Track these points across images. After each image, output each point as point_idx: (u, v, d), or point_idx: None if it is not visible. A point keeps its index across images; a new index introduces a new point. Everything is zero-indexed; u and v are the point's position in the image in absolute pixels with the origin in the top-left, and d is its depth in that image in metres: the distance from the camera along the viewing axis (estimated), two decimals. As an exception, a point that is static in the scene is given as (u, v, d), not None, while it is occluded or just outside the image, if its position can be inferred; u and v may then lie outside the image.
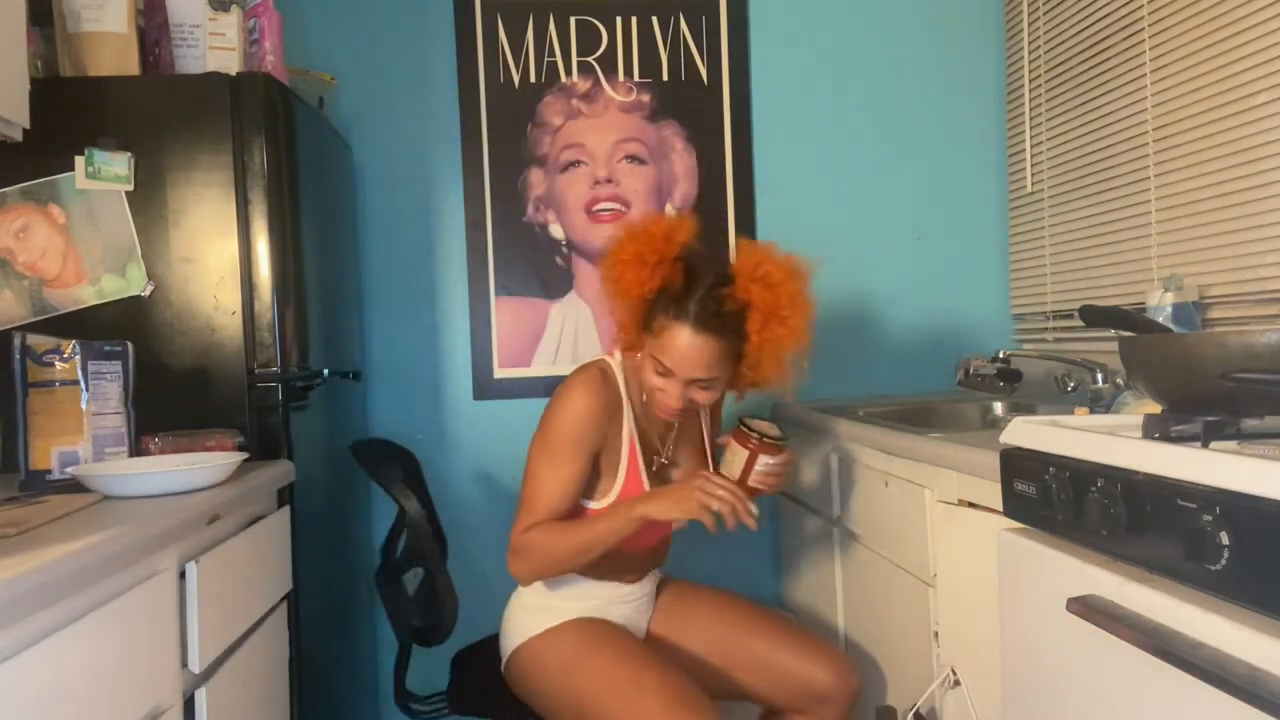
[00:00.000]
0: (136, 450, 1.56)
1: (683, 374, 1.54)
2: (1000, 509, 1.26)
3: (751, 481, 1.56)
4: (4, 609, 0.85)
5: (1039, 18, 2.43)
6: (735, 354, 1.59)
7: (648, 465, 1.69)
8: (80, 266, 1.67)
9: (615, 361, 1.69)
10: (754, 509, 1.51)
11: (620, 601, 1.72)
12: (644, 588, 1.77)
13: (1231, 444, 0.98)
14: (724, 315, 1.54)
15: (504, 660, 1.71)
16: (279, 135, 1.75)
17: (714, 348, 1.54)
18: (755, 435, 1.55)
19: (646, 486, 1.66)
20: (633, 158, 2.50)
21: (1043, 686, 1.15)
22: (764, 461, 1.55)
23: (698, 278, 1.56)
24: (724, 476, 1.55)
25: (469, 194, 2.46)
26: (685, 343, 1.53)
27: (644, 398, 1.65)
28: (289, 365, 1.76)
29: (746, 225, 2.53)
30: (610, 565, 1.65)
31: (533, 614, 1.67)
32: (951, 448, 1.48)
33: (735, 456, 1.56)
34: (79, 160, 1.65)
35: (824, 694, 1.68)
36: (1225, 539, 0.83)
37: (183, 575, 1.27)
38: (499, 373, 2.47)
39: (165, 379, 1.69)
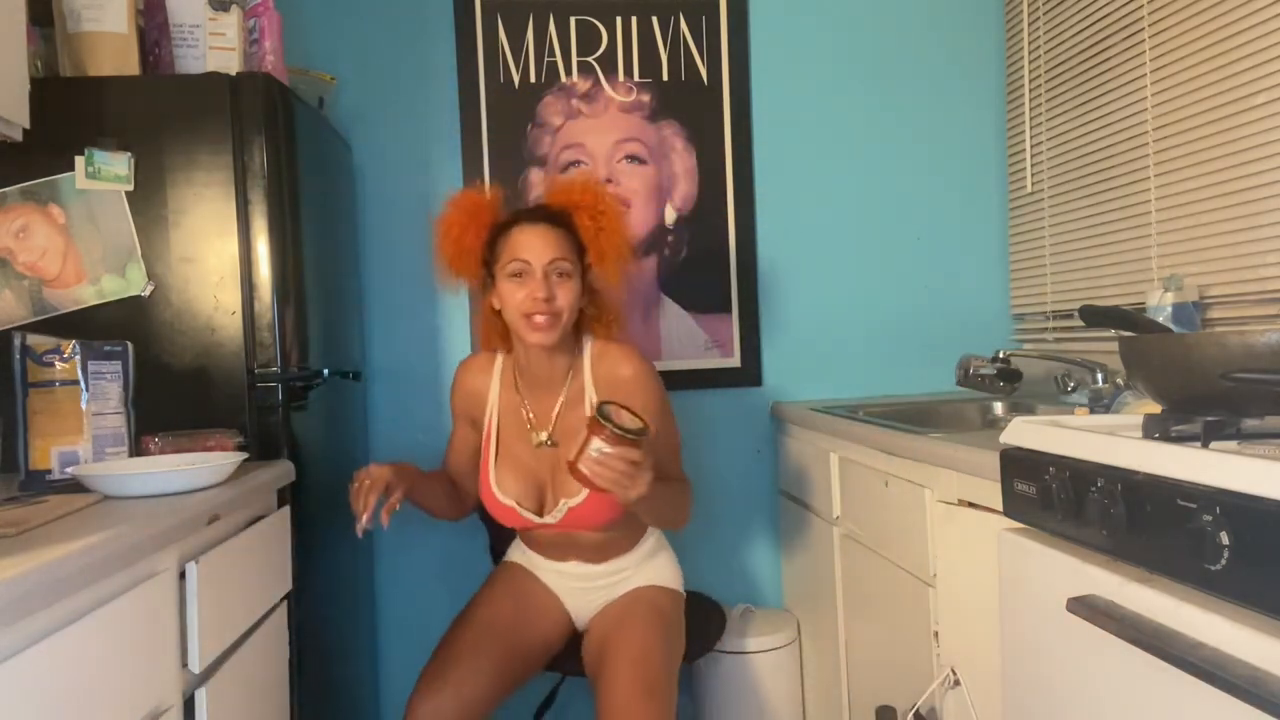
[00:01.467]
0: (136, 450, 1.56)
1: (536, 260, 1.63)
2: (1000, 509, 1.26)
3: (581, 465, 1.44)
4: (4, 609, 0.85)
5: (1039, 18, 2.43)
6: (576, 246, 1.69)
7: (515, 442, 1.76)
8: (80, 266, 1.67)
9: (500, 357, 1.82)
10: (370, 511, 1.59)
11: (547, 569, 1.86)
12: (575, 568, 1.82)
13: (1231, 444, 0.99)
14: (551, 212, 1.71)
15: None
16: (279, 135, 1.75)
17: (553, 232, 1.66)
18: (599, 418, 1.44)
19: (491, 469, 1.75)
20: (633, 158, 2.50)
21: (1043, 686, 1.15)
22: (596, 446, 1.43)
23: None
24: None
25: (469, 194, 2.46)
26: (527, 233, 1.66)
27: (517, 375, 1.77)
28: (289, 365, 1.76)
29: (746, 225, 2.53)
30: (527, 538, 1.86)
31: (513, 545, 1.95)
32: (951, 448, 1.48)
33: (577, 435, 1.47)
34: (79, 160, 1.65)
35: None
36: (1225, 539, 0.83)
37: (183, 575, 1.27)
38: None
39: (165, 379, 1.69)
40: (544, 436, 1.75)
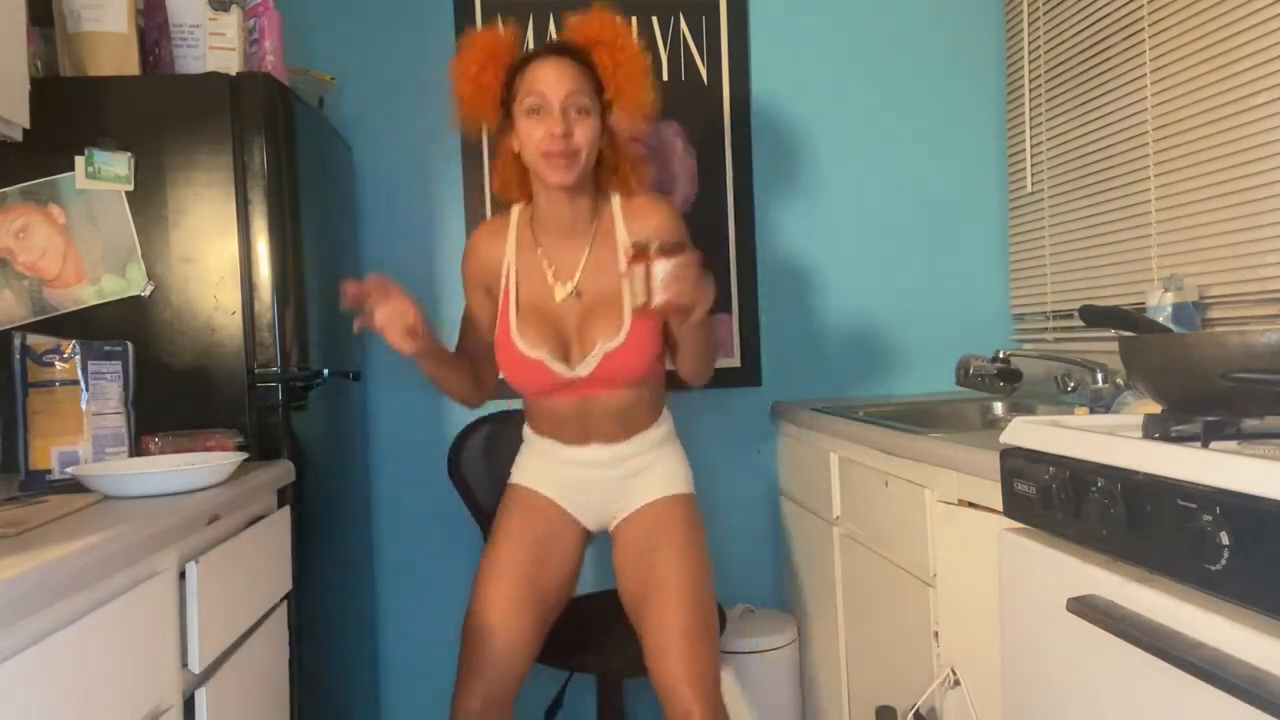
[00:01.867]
0: (136, 450, 1.56)
1: (553, 94, 1.59)
2: (1000, 509, 1.26)
3: (658, 298, 1.45)
4: (4, 609, 0.85)
5: (1039, 18, 2.43)
6: (595, 83, 1.65)
7: (536, 297, 1.71)
8: (80, 266, 1.67)
9: (515, 216, 1.77)
10: (412, 324, 1.57)
11: (564, 461, 1.78)
12: (596, 454, 1.76)
13: (1231, 444, 0.99)
14: (569, 47, 1.66)
15: None
16: (279, 135, 1.75)
17: (571, 67, 1.62)
18: (642, 247, 1.46)
19: (513, 324, 1.69)
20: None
21: (1043, 686, 1.15)
22: (661, 269, 1.44)
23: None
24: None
25: (469, 194, 2.46)
26: (544, 67, 1.61)
27: (533, 222, 1.73)
28: (289, 365, 1.76)
29: (746, 225, 2.53)
30: (546, 423, 1.79)
31: (520, 452, 1.88)
32: (951, 448, 1.48)
33: (635, 279, 1.46)
34: (79, 160, 1.65)
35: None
36: (1225, 539, 0.83)
37: (183, 575, 1.27)
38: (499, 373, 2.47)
39: (165, 379, 1.69)
40: (570, 288, 1.69)
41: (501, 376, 1.79)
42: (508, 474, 1.89)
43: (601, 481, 1.79)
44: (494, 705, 1.65)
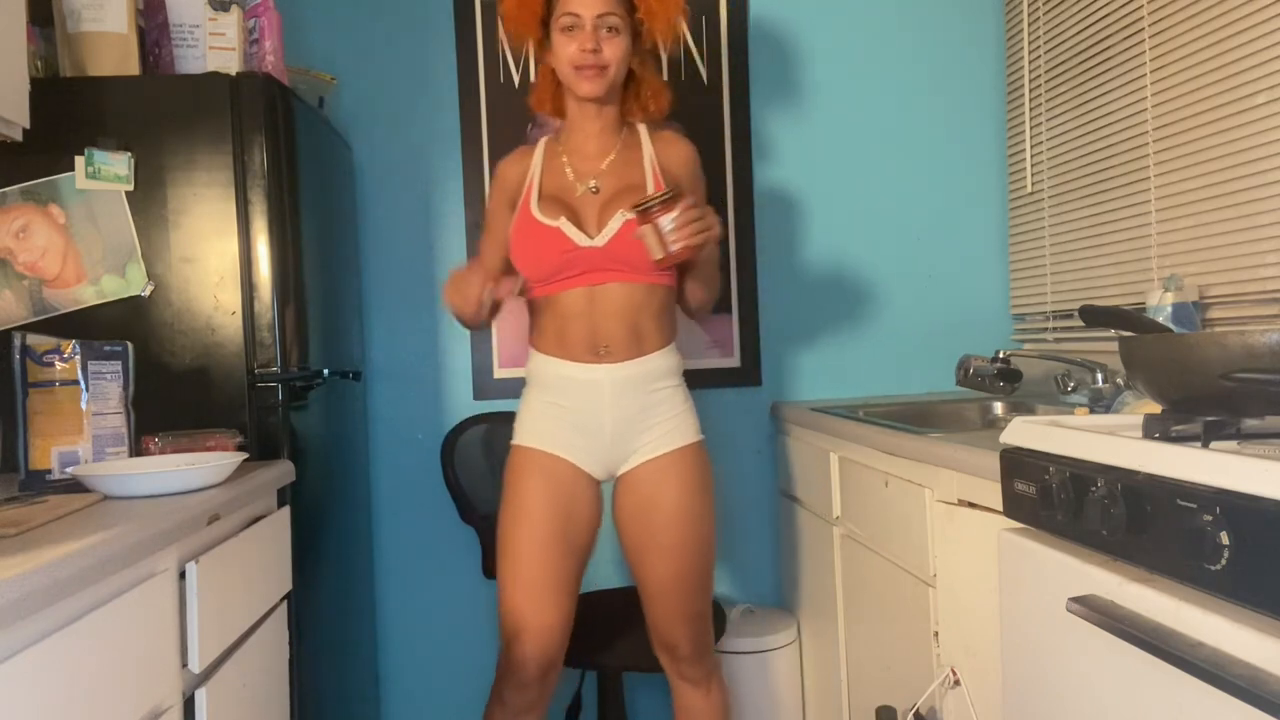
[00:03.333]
0: (137, 450, 1.56)
1: (587, 14, 1.68)
2: (1000, 509, 1.26)
3: (673, 248, 1.58)
4: (4, 609, 0.85)
5: (1039, 18, 2.43)
6: (627, 4, 1.74)
7: (557, 189, 1.76)
8: (80, 266, 1.67)
9: (542, 144, 1.84)
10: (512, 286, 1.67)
11: (571, 382, 1.73)
12: (609, 373, 1.71)
13: (1231, 444, 0.99)
14: None
15: None
16: (279, 135, 1.75)
17: None
18: (643, 206, 1.58)
19: (534, 200, 1.74)
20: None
21: (1043, 686, 1.15)
22: (668, 219, 1.57)
23: None
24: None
25: (469, 194, 2.46)
26: None
27: (560, 130, 1.82)
28: (289, 365, 1.76)
29: (745, 225, 2.53)
30: (553, 332, 1.75)
31: (521, 412, 1.82)
32: (951, 448, 1.48)
33: (648, 236, 1.59)
34: (79, 160, 1.65)
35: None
36: (1225, 539, 0.83)
37: (183, 575, 1.27)
38: (499, 373, 2.47)
39: (165, 379, 1.69)
40: (591, 183, 1.76)
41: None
42: (500, 476, 1.83)
43: (611, 422, 1.72)
44: (540, 702, 1.72)
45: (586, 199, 1.75)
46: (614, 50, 1.71)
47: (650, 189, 1.73)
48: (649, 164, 1.77)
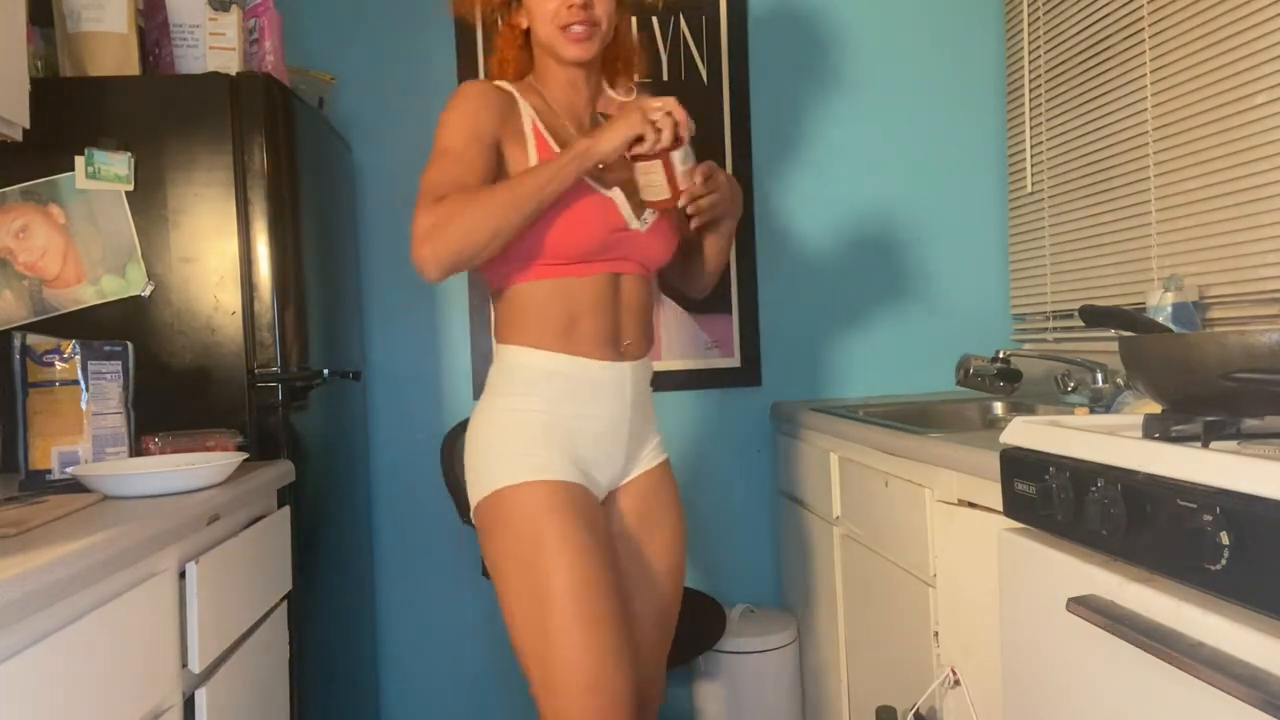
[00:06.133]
0: (137, 450, 1.56)
1: None
2: (1000, 509, 1.26)
3: (683, 185, 1.39)
4: (4, 609, 0.85)
5: (1039, 18, 2.43)
6: None
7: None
8: (80, 266, 1.67)
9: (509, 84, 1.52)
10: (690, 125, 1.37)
11: (590, 382, 1.43)
12: (624, 371, 1.46)
13: (1231, 444, 0.98)
14: None
15: (473, 494, 1.43)
16: (279, 135, 1.75)
17: None
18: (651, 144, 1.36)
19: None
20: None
21: (1043, 686, 1.15)
22: (679, 158, 1.37)
23: None
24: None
25: (469, 194, 2.46)
26: None
27: (546, 97, 1.50)
28: (289, 365, 1.76)
29: (745, 225, 2.53)
30: (569, 327, 1.42)
31: (497, 438, 1.40)
32: (951, 448, 1.48)
33: (652, 174, 1.38)
34: (79, 160, 1.65)
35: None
36: (1225, 539, 0.83)
37: (183, 575, 1.27)
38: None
39: (165, 379, 1.69)
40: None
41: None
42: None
43: (628, 426, 1.49)
44: None
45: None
46: (605, 4, 1.45)
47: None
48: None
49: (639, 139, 1.34)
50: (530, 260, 1.42)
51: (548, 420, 1.41)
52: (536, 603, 1.32)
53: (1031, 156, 2.48)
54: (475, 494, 1.42)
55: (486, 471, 1.40)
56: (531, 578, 1.33)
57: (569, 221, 1.39)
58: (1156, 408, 1.17)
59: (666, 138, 1.34)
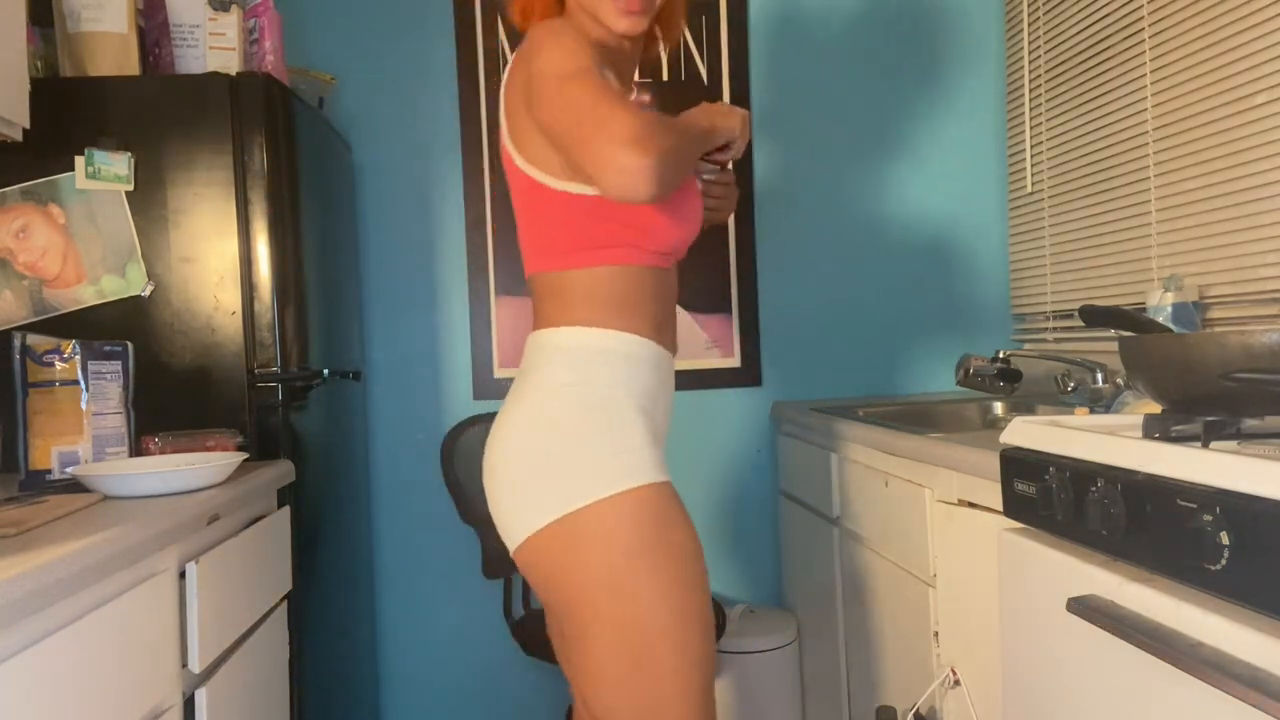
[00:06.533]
0: (137, 450, 1.56)
1: None
2: (1000, 509, 1.26)
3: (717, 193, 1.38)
4: (4, 609, 0.85)
5: (1039, 18, 2.43)
6: None
7: None
8: (80, 266, 1.67)
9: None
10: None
11: (668, 376, 1.31)
12: (673, 367, 1.35)
13: (1231, 444, 0.98)
14: None
15: (531, 523, 1.17)
16: (279, 135, 1.75)
17: None
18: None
19: None
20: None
21: (1043, 686, 1.15)
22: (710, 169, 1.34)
23: None
24: None
25: (469, 194, 2.46)
26: None
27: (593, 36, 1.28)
28: (289, 365, 1.76)
29: (745, 225, 2.53)
30: (652, 314, 1.27)
31: (605, 425, 1.18)
32: (951, 448, 1.48)
33: (703, 175, 1.37)
34: (79, 160, 1.65)
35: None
36: (1225, 539, 0.83)
37: (183, 575, 1.27)
38: (499, 373, 2.47)
39: (165, 379, 1.69)
40: None
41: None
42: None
43: (665, 430, 1.36)
44: None
45: None
46: None
47: None
48: None
49: (728, 144, 1.27)
50: (639, 243, 1.24)
51: (640, 412, 1.22)
52: (687, 625, 1.15)
53: (1031, 156, 2.48)
54: (575, 492, 1.16)
55: (593, 465, 1.16)
56: (692, 598, 1.16)
57: (688, 213, 1.27)
58: (1156, 408, 1.17)
59: (740, 149, 1.30)
